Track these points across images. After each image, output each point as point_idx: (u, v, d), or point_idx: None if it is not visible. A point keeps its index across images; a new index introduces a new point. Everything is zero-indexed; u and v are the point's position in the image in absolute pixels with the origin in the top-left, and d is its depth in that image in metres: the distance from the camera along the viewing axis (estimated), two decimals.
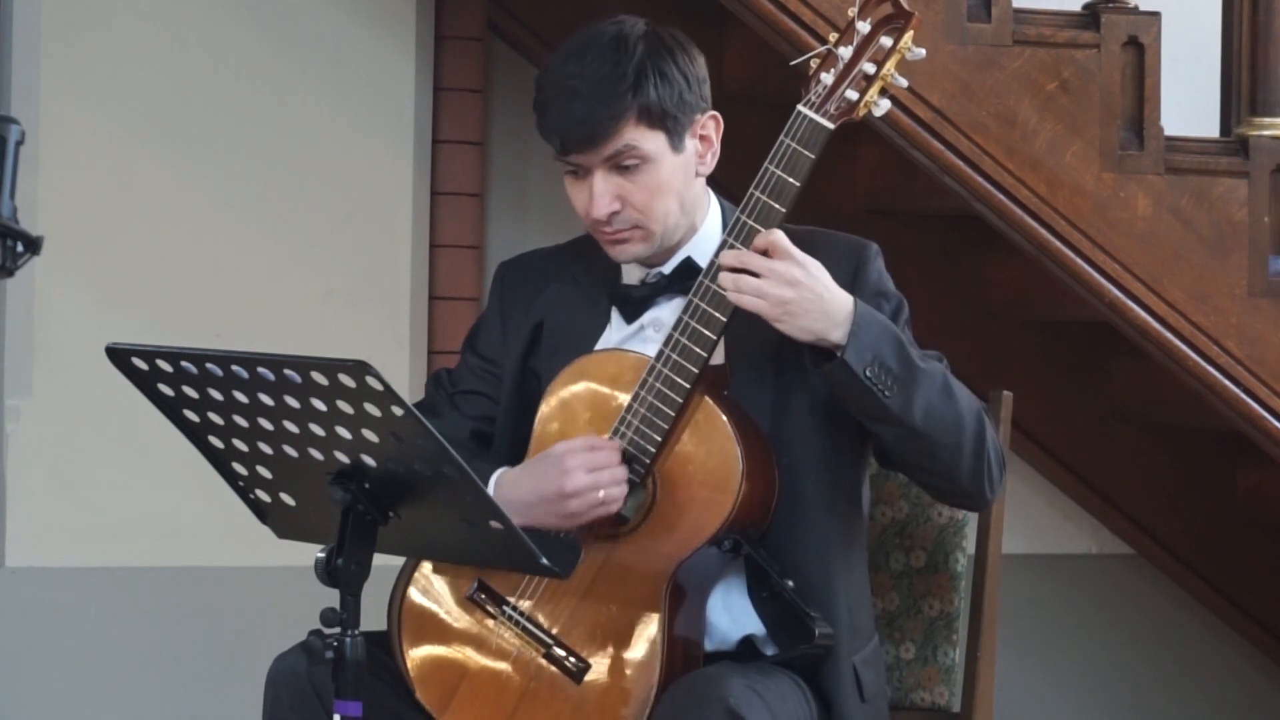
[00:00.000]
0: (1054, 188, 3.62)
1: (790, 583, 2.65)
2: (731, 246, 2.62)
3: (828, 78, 2.63)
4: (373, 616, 2.54)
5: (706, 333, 2.61)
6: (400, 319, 4.19)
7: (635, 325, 2.76)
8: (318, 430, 2.32)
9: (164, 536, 4.09)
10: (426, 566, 2.73)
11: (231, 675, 3.99)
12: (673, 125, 2.68)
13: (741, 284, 2.59)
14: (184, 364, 2.34)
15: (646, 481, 2.65)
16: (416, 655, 2.70)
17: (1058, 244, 3.63)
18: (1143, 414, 4.39)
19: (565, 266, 2.85)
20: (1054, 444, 4.46)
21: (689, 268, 2.73)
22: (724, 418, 2.63)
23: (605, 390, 2.69)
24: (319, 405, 2.28)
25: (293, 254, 4.16)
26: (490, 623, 2.69)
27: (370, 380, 2.22)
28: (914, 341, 2.68)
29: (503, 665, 2.68)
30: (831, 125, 2.62)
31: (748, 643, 2.73)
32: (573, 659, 2.64)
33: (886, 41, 2.62)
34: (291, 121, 4.15)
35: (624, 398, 2.66)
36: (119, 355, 2.38)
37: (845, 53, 2.63)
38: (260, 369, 2.29)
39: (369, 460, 2.32)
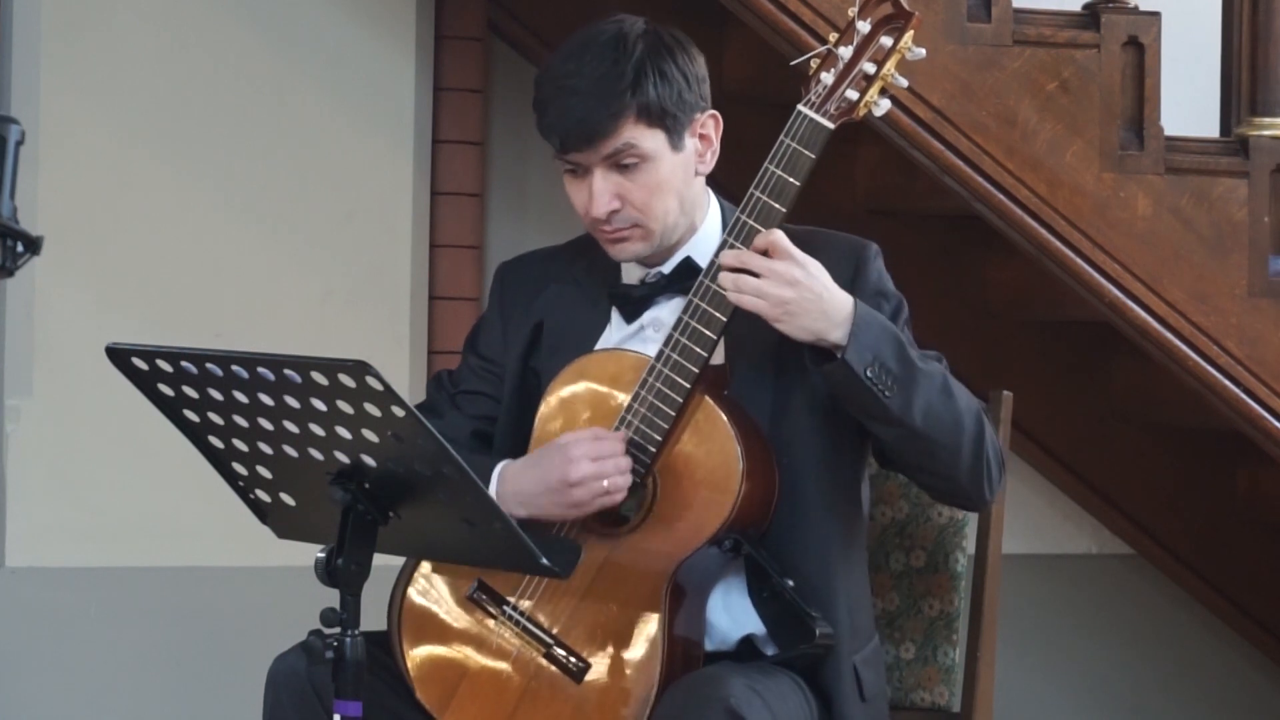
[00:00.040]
0: (1054, 188, 3.62)
1: (790, 582, 2.65)
2: (732, 246, 2.62)
3: (828, 77, 2.63)
4: (373, 616, 2.54)
5: (707, 332, 2.62)
6: (400, 319, 4.19)
7: (635, 325, 2.76)
8: (318, 430, 2.32)
9: (164, 536, 4.09)
10: (426, 566, 2.73)
11: (231, 675, 3.99)
12: (672, 124, 2.68)
13: (741, 284, 2.59)
14: (184, 364, 2.34)
15: (647, 481, 2.65)
16: (416, 655, 2.70)
17: (1058, 244, 3.63)
18: (1143, 414, 4.39)
19: (565, 266, 2.86)
20: (1054, 444, 4.46)
21: (689, 267, 2.73)
22: (724, 417, 2.63)
23: (605, 390, 2.69)
24: (319, 405, 2.28)
25: (293, 254, 4.16)
26: (490, 622, 2.69)
27: (370, 380, 2.22)
28: (914, 341, 2.68)
29: (503, 665, 2.68)
30: (832, 125, 2.62)
31: (748, 642, 2.73)
32: (573, 659, 2.64)
33: (887, 41, 2.63)
34: (291, 121, 4.15)
35: (624, 397, 2.66)
36: (119, 355, 2.38)
37: (845, 53, 2.63)
38: (260, 369, 2.29)
39: (369, 460, 2.32)
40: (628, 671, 2.62)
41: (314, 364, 2.25)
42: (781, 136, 2.62)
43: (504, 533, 2.34)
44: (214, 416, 2.39)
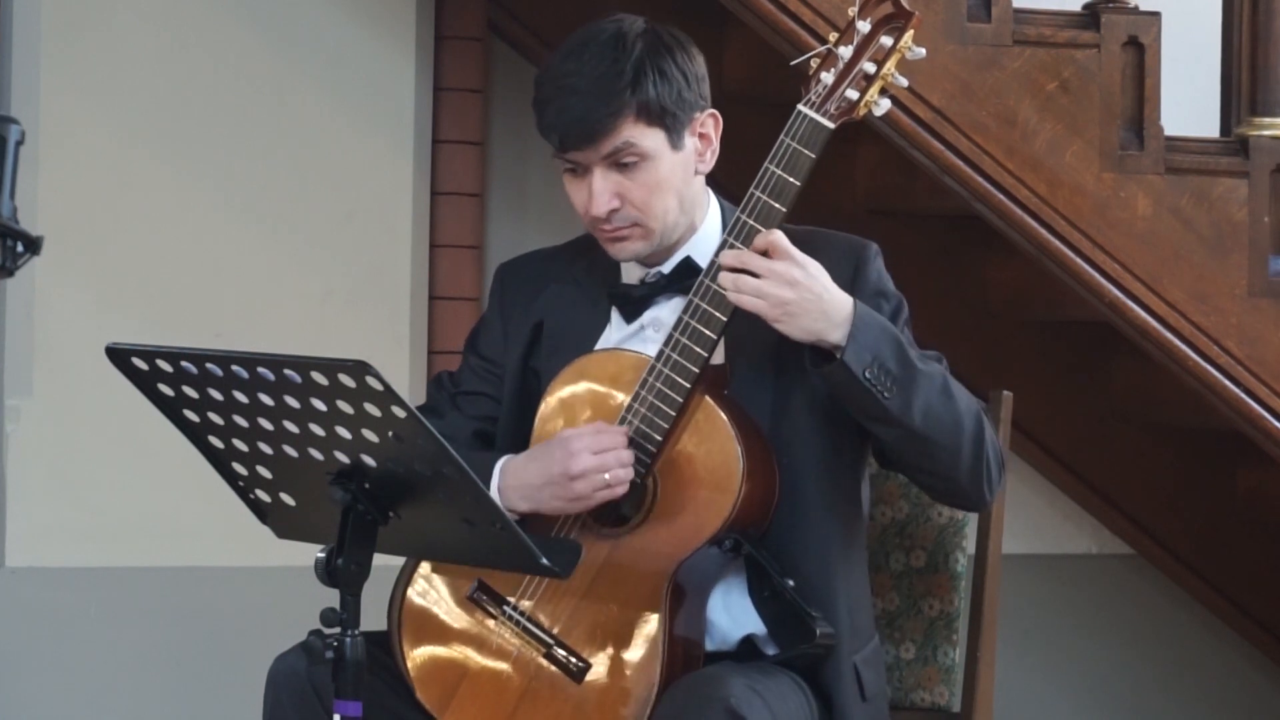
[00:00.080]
0: (1054, 188, 3.62)
1: (791, 582, 2.65)
2: (732, 246, 2.62)
3: (828, 77, 2.63)
4: (373, 616, 2.54)
5: (707, 332, 2.61)
6: (400, 319, 4.19)
7: (635, 325, 2.76)
8: (318, 430, 2.32)
9: (164, 536, 4.09)
10: (426, 567, 2.73)
11: (231, 675, 3.99)
12: (671, 123, 2.68)
13: (741, 284, 2.59)
14: (184, 364, 2.34)
15: (647, 481, 2.65)
16: (416, 655, 2.70)
17: (1058, 244, 3.63)
18: (1143, 414, 4.39)
19: (565, 266, 2.86)
20: (1054, 444, 4.46)
21: (688, 267, 2.73)
22: (724, 417, 2.63)
23: (605, 390, 2.69)
24: (319, 405, 2.28)
25: (293, 254, 4.16)
26: (490, 623, 2.69)
27: (370, 380, 2.22)
28: (914, 342, 2.68)
29: (503, 665, 2.68)
30: (832, 125, 2.62)
31: (748, 642, 2.73)
32: (573, 659, 2.64)
33: (887, 41, 2.62)
34: (291, 121, 4.15)
35: (624, 397, 2.66)
36: (119, 355, 2.38)
37: (845, 52, 2.63)
38: (260, 369, 2.29)
39: (369, 460, 2.32)
40: (628, 671, 2.62)
41: (314, 364, 2.25)
42: (781, 136, 2.62)
43: (504, 533, 2.34)
44: (214, 416, 2.39)
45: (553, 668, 2.65)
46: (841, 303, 2.59)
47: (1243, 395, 3.69)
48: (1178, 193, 3.68)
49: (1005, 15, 3.63)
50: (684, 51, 2.71)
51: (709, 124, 2.74)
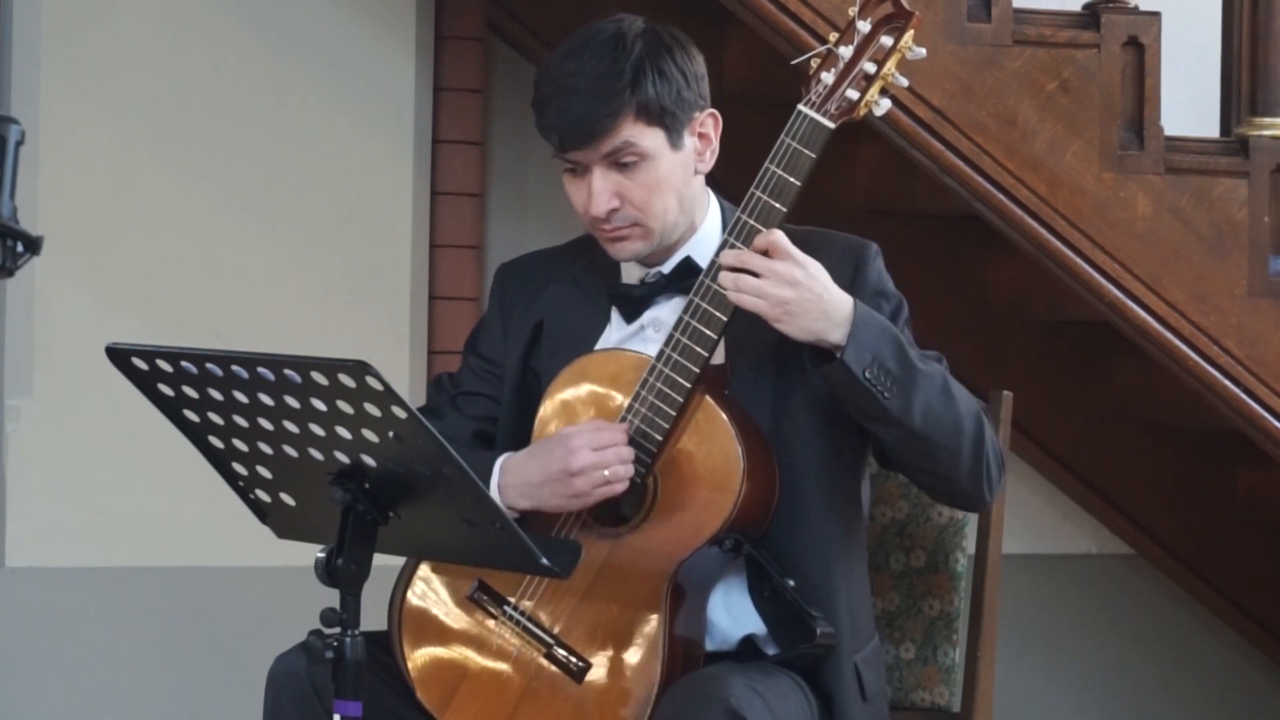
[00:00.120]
0: (1054, 188, 3.62)
1: (791, 582, 2.65)
2: (732, 246, 2.62)
3: (828, 77, 2.63)
4: (373, 616, 2.54)
5: (707, 332, 2.61)
6: (400, 319, 4.19)
7: (635, 325, 2.76)
8: (318, 430, 2.32)
9: (164, 536, 4.09)
10: (426, 568, 2.73)
11: (231, 675, 3.99)
12: (671, 122, 2.68)
13: (741, 283, 2.59)
14: (184, 364, 2.34)
15: (647, 481, 2.65)
16: (417, 656, 2.70)
17: (1058, 244, 3.63)
18: (1143, 414, 4.39)
19: (565, 267, 2.86)
20: (1054, 444, 4.46)
21: (688, 267, 2.73)
22: (725, 417, 2.63)
23: (605, 390, 2.69)
24: (319, 405, 2.28)
25: (293, 254, 4.16)
26: (491, 623, 2.69)
27: (370, 380, 2.22)
28: (914, 342, 2.68)
29: (503, 665, 2.68)
30: (832, 125, 2.62)
31: (748, 642, 2.73)
32: (573, 659, 2.64)
33: (887, 41, 2.63)
34: (291, 121, 4.15)
35: (624, 397, 2.66)
36: (119, 355, 2.38)
37: (846, 52, 2.63)
38: (260, 369, 2.29)
39: (369, 460, 2.32)
40: (628, 671, 2.62)
41: (314, 364, 2.25)
42: (782, 136, 2.62)
43: (504, 533, 2.34)
44: (214, 416, 2.39)
45: (553, 668, 2.65)
46: (842, 303, 2.59)
47: (1243, 395, 3.69)
48: (1178, 193, 3.68)
49: (1005, 15, 3.63)
50: (683, 51, 2.71)
51: (709, 124, 2.74)
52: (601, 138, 2.65)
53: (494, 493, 2.64)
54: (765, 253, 2.60)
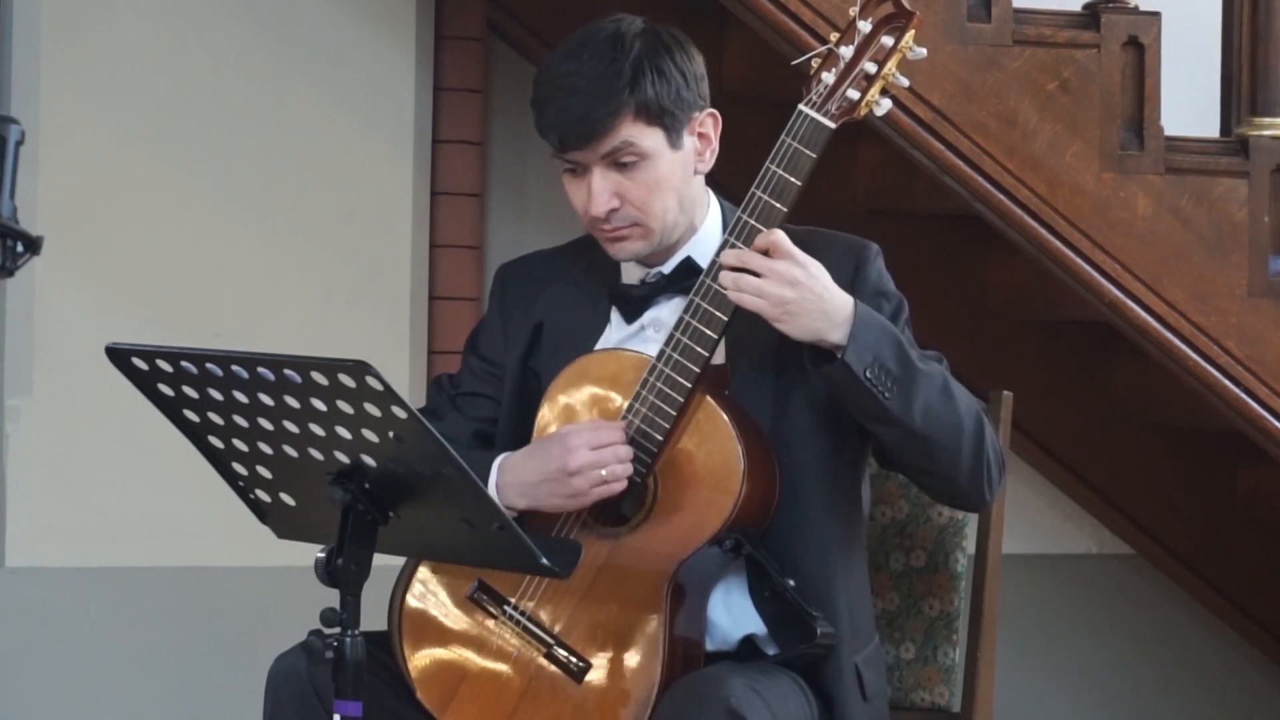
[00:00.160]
0: (1054, 188, 3.62)
1: (791, 582, 2.65)
2: (733, 245, 2.62)
3: (829, 77, 2.63)
4: (373, 616, 2.54)
5: (708, 332, 2.61)
6: (400, 319, 4.19)
7: (635, 325, 2.76)
8: (318, 430, 2.32)
9: (164, 536, 4.09)
10: (425, 569, 2.73)
11: (231, 675, 3.99)
12: (670, 122, 2.68)
13: (742, 283, 2.59)
14: (184, 364, 2.34)
15: (647, 481, 2.65)
16: (417, 656, 2.70)
17: (1058, 244, 3.63)
18: (1143, 414, 4.39)
19: (565, 267, 2.85)
20: (1054, 444, 4.46)
21: (689, 267, 2.73)
22: (725, 417, 2.63)
23: (606, 390, 2.69)
24: (319, 405, 2.28)
25: (293, 254, 4.16)
26: (490, 623, 2.69)
27: (370, 380, 2.22)
28: (914, 342, 2.68)
29: (503, 665, 2.68)
30: (833, 124, 2.62)
31: (748, 642, 2.73)
32: (573, 659, 2.64)
33: (888, 41, 2.63)
34: (291, 121, 4.15)
35: (625, 397, 2.66)
36: (119, 355, 2.38)
37: (846, 52, 2.63)
38: (260, 369, 2.29)
39: (369, 460, 2.32)
40: (628, 672, 2.62)
41: (314, 364, 2.25)
42: (783, 136, 2.62)
43: (504, 533, 2.34)
44: (214, 416, 2.39)
45: (553, 668, 2.65)
46: (842, 303, 2.59)
47: (1243, 395, 3.69)
48: (1178, 193, 3.68)
49: (1005, 15, 3.63)
50: (683, 51, 2.71)
51: (708, 123, 2.74)
52: (601, 138, 2.65)
53: (492, 492, 2.64)
54: (766, 252, 2.60)
